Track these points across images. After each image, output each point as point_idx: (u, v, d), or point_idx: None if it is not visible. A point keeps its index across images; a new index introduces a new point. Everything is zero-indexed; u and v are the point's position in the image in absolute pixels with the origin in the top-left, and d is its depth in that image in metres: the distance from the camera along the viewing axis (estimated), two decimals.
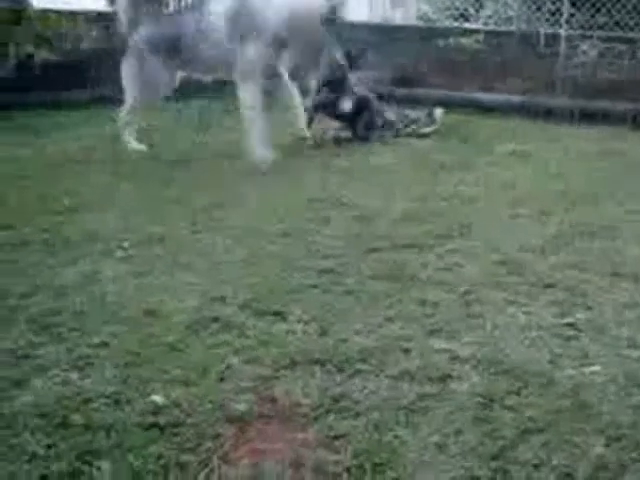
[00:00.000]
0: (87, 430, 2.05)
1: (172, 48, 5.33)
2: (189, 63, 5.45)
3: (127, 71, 5.50)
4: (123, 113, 5.54)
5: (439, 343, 2.58)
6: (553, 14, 8.97)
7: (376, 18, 12.35)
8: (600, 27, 8.74)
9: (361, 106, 5.87)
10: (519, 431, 2.09)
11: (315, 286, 3.04)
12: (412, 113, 6.41)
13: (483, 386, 2.31)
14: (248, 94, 5.15)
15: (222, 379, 2.34)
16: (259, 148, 5.04)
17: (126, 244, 3.48)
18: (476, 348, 2.55)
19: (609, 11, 8.97)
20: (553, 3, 9.07)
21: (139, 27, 5.50)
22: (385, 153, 5.29)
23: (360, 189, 4.44)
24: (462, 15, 10.13)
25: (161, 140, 5.74)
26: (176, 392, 2.25)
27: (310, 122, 5.86)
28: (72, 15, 7.82)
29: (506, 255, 3.40)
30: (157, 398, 2.22)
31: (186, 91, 5.95)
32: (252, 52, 5.10)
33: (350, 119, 5.92)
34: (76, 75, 7.22)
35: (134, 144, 5.46)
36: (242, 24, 5.12)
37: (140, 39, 5.45)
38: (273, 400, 2.24)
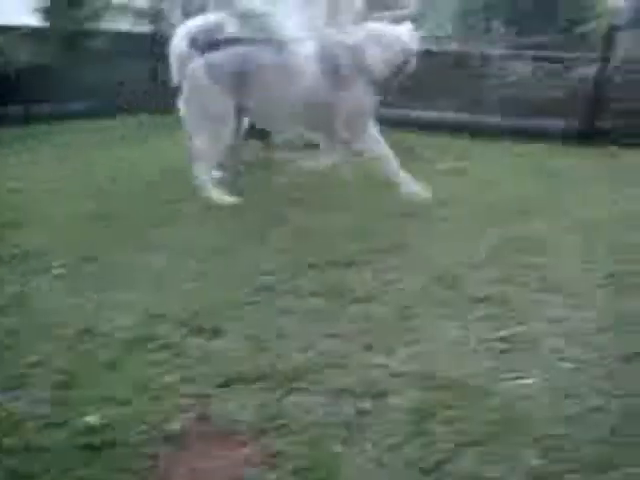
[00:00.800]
0: (21, 453, 2.01)
1: (241, 84, 4.64)
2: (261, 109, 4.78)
3: (192, 111, 4.67)
4: (199, 167, 4.70)
5: (377, 359, 2.60)
6: (487, 34, 9.18)
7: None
8: (531, 47, 8.97)
9: None
10: (455, 444, 2.12)
11: (253, 303, 3.04)
12: None
13: (420, 400, 2.34)
14: (369, 144, 4.76)
15: (158, 398, 2.32)
16: (410, 186, 4.69)
17: (61, 262, 3.43)
18: (413, 363, 2.58)
19: (540, 31, 9.22)
20: (486, 24, 9.28)
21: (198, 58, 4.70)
22: (325, 170, 5.30)
23: (299, 205, 4.45)
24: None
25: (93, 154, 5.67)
26: (111, 412, 2.22)
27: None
28: (3, 30, 7.70)
29: (442, 270, 3.45)
30: (92, 418, 2.19)
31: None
32: (362, 98, 4.67)
33: None
34: (8, 91, 7.10)
35: (225, 197, 4.62)
36: (347, 66, 4.61)
37: (201, 68, 4.67)
38: (210, 419, 2.23)
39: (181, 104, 4.69)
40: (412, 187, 4.65)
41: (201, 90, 4.63)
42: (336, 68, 4.60)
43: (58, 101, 7.28)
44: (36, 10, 8.29)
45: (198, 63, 4.67)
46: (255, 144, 5.80)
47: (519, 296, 3.20)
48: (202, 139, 4.63)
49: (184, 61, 4.66)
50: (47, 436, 2.10)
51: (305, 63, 4.63)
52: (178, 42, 4.70)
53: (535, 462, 2.05)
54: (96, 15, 8.59)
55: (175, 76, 4.68)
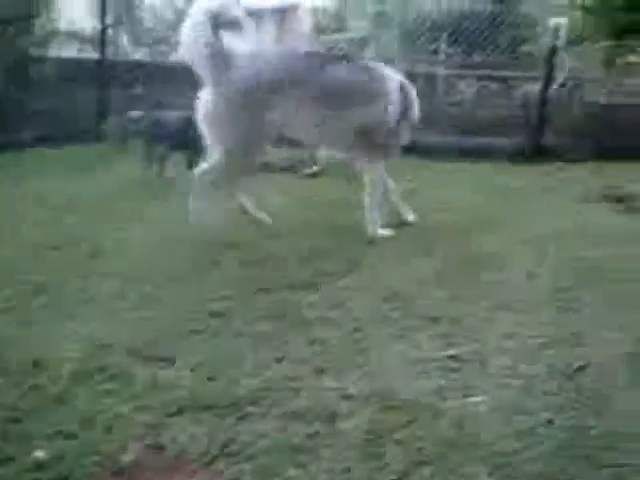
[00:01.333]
0: None
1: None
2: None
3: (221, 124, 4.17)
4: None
5: (328, 381, 2.61)
6: (433, 54, 9.30)
7: None
8: (476, 66, 9.12)
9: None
10: (408, 464, 2.13)
11: (204, 330, 3.02)
12: (297, 154, 6.49)
13: (372, 422, 2.34)
14: (377, 174, 4.64)
15: (109, 429, 2.29)
16: (373, 225, 4.51)
17: (9, 294, 3.37)
18: (364, 384, 2.58)
19: (484, 50, 9.38)
20: (431, 44, 9.41)
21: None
22: (270, 193, 5.31)
23: (247, 230, 4.45)
24: (343, 57, 10.34)
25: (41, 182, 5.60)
26: (61, 445, 2.19)
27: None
28: None
29: (392, 291, 3.47)
30: (41, 453, 2.15)
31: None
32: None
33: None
34: None
35: (262, 215, 4.60)
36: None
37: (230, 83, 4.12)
38: (161, 448, 2.21)
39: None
40: (376, 229, 4.50)
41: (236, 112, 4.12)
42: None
43: (3, 130, 7.18)
44: None
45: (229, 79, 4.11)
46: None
47: (469, 314, 3.23)
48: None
49: (214, 55, 4.06)
50: None
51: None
52: (201, 26, 4.00)
53: (485, 479, 2.07)
54: (43, 42, 8.53)
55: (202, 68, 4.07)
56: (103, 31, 8.49)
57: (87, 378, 2.59)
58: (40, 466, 2.09)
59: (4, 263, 3.83)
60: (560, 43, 7.49)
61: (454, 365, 2.75)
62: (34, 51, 8.27)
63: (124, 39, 10.14)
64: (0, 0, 8.19)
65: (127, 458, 2.14)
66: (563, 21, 7.44)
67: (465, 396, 2.53)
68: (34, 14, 8.38)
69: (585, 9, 8.98)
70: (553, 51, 7.53)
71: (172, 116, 5.90)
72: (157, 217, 4.77)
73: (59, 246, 4.10)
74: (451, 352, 2.85)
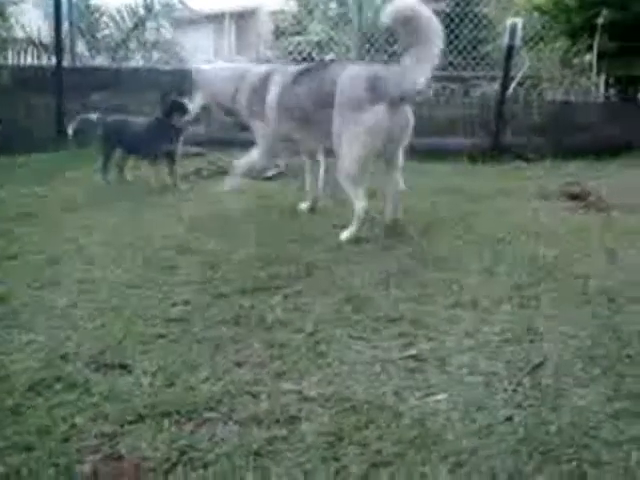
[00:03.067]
0: None
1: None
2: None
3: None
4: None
5: (287, 385, 2.60)
6: (390, 56, 9.33)
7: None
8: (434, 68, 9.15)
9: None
10: (368, 466, 2.13)
11: (162, 336, 2.99)
12: None
13: (331, 424, 2.34)
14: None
15: (66, 440, 2.26)
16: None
17: None
18: (324, 387, 2.58)
19: (442, 51, 9.42)
20: (390, 45, 9.44)
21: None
22: (229, 198, 5.30)
23: (205, 235, 4.43)
24: (304, 59, 10.38)
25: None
26: (17, 459, 2.15)
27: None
28: None
29: (351, 292, 3.47)
30: None
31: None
32: None
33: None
34: None
35: None
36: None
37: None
38: (120, 457, 2.19)
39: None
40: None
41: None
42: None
43: None
44: None
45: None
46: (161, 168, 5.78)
47: (428, 313, 3.24)
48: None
49: None
50: None
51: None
52: None
53: (445, 478, 2.07)
54: None
55: None
56: (58, 38, 8.38)
57: (43, 389, 2.56)
58: None
59: None
60: (517, 43, 7.55)
61: (414, 365, 2.76)
62: None
63: (81, 45, 10.03)
64: None
65: (86, 468, 2.12)
66: (519, 21, 7.49)
67: (425, 395, 2.54)
68: None
69: (540, 9, 9.06)
70: (510, 51, 7.59)
71: (132, 121, 5.88)
72: (113, 223, 4.73)
73: (14, 256, 4.04)
74: (411, 352, 2.86)
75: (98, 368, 2.71)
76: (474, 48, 9.70)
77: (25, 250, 4.13)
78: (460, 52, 9.46)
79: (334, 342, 2.95)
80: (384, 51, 9.44)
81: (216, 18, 15.71)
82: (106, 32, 10.25)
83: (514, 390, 2.58)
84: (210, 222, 4.72)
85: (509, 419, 2.39)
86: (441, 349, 2.90)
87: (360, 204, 4.36)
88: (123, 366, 2.73)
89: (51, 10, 8.54)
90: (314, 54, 10.78)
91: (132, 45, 10.40)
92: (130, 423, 2.35)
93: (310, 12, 12.06)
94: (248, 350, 2.87)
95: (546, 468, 2.13)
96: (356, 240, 4.32)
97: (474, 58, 9.50)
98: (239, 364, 2.75)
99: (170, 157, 5.75)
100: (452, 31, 9.41)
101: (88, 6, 10.25)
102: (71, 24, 9.27)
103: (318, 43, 10.98)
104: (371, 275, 3.72)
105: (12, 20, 8.93)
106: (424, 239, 4.38)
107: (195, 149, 6.67)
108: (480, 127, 7.65)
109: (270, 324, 3.11)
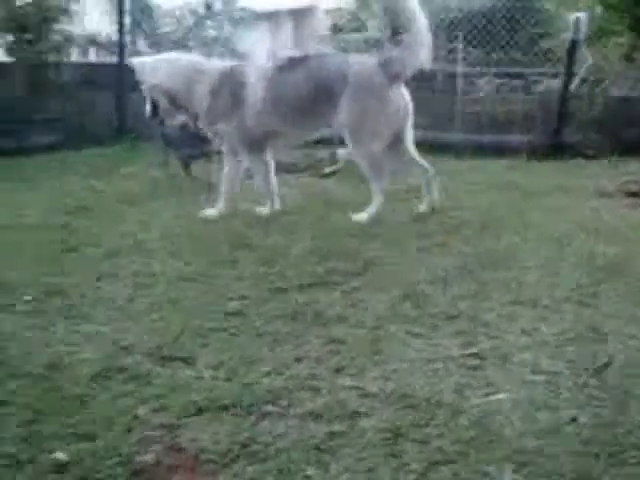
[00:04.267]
0: None
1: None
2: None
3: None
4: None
5: (347, 380, 2.59)
6: (450, 52, 9.26)
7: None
8: (495, 63, 9.06)
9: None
10: (429, 463, 2.10)
11: (222, 329, 3.02)
12: (317, 154, 6.50)
13: (391, 421, 2.32)
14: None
15: (129, 430, 2.28)
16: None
17: (27, 297, 3.38)
18: (383, 383, 2.56)
19: (503, 48, 9.32)
20: (450, 42, 9.36)
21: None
22: (287, 194, 5.31)
23: (263, 230, 4.44)
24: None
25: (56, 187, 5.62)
26: (81, 447, 2.18)
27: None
28: None
29: (410, 288, 3.45)
30: (61, 455, 2.15)
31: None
32: None
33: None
34: None
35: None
36: None
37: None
38: (181, 449, 2.20)
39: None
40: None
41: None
42: None
43: (24, 135, 7.23)
44: None
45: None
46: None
47: (488, 311, 3.20)
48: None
49: None
50: (14, 475, 2.06)
51: None
52: None
53: (509, 477, 2.04)
54: (60, 47, 8.57)
55: None
56: (121, 35, 8.51)
57: (106, 379, 2.60)
58: (60, 467, 2.08)
59: (37, 265, 3.85)
60: (581, 37, 7.40)
61: (474, 362, 2.73)
62: (52, 57, 8.31)
63: (142, 43, 10.16)
64: (17, 6, 8.21)
65: (147, 458, 2.14)
66: (583, 16, 7.35)
67: (486, 394, 2.50)
68: (51, 19, 8.41)
69: (604, 3, 8.88)
70: (573, 46, 7.46)
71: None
72: (170, 217, 4.77)
73: (73, 248, 4.11)
74: (471, 349, 2.83)
75: (158, 360, 2.74)
76: (535, 44, 9.55)
77: (84, 243, 4.20)
78: (521, 48, 9.32)
79: (393, 338, 2.93)
80: (444, 48, 9.35)
81: (273, 15, 15.77)
82: (167, 29, 10.35)
83: (578, 390, 2.53)
84: (267, 217, 4.73)
85: (574, 420, 2.33)
86: (501, 347, 2.86)
87: (380, 185, 4.57)
88: (183, 359, 2.75)
89: (112, 8, 8.69)
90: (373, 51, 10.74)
91: (192, 43, 10.49)
92: (191, 415, 2.36)
93: (368, 8, 12.01)
94: (307, 345, 2.87)
95: (613, 470, 2.08)
96: (412, 237, 4.28)
97: (535, 54, 9.35)
98: (298, 359, 2.75)
99: (206, 157, 5.76)
100: (512, 27, 9.30)
101: (148, 4, 10.36)
102: (132, 22, 9.39)
103: (377, 40, 10.92)
104: (428, 272, 3.69)
105: (75, 18, 9.05)
106: (481, 236, 4.33)
107: None
108: (541, 123, 7.53)
109: (328, 319, 3.11)
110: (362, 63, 4.64)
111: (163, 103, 4.98)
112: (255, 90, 4.73)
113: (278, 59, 5.11)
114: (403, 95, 4.64)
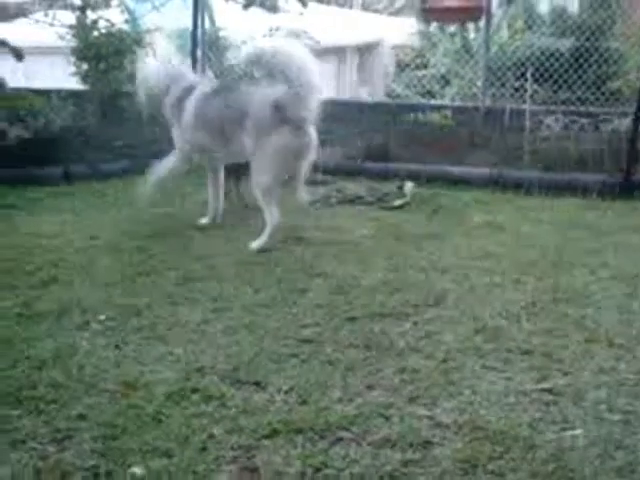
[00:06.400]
0: None
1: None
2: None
3: None
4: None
5: (419, 410, 2.59)
6: (517, 90, 9.23)
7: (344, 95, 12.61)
8: (562, 102, 9.01)
9: None
10: None
11: (294, 355, 3.04)
12: (383, 187, 6.53)
13: (465, 452, 2.32)
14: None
15: (204, 449, 2.32)
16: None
17: (102, 317, 3.46)
18: (456, 414, 2.56)
19: (570, 87, 9.27)
20: (517, 80, 9.34)
21: None
22: (357, 225, 5.34)
23: (334, 260, 4.47)
24: (428, 92, 10.41)
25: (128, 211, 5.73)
26: (157, 463, 2.23)
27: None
28: (45, 93, 7.92)
29: (482, 322, 3.43)
30: (137, 470, 2.20)
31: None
32: None
33: None
34: (48, 152, 7.24)
35: None
36: None
37: None
38: (255, 470, 2.22)
39: None
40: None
41: None
42: None
43: (97, 161, 7.40)
44: (75, 74, 8.52)
45: None
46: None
47: (562, 347, 3.17)
48: None
49: None
50: None
51: None
52: None
53: None
54: (134, 77, 8.78)
55: None
56: (193, 67, 8.71)
57: (181, 399, 2.65)
58: None
59: (111, 287, 3.94)
60: None
61: (549, 398, 2.70)
62: (126, 87, 8.52)
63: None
64: (93, 36, 8.46)
65: (222, 478, 2.16)
66: None
67: (561, 429, 2.48)
68: (125, 50, 8.65)
69: None
70: None
71: None
72: (242, 244, 4.82)
73: (149, 272, 4.18)
74: (545, 385, 2.80)
75: (233, 383, 2.78)
76: (603, 83, 9.47)
77: (160, 267, 4.27)
78: (589, 87, 9.26)
79: (466, 371, 2.92)
80: (510, 86, 9.34)
81: (339, 50, 15.95)
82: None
83: None
84: (337, 248, 4.75)
85: None
86: (576, 384, 2.82)
87: (273, 216, 4.73)
88: (257, 383, 2.79)
89: (181, 41, 8.92)
90: (437, 87, 10.79)
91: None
92: (265, 437, 2.39)
93: (434, 45, 12.06)
94: (379, 374, 2.88)
95: None
96: (485, 272, 4.26)
97: (603, 93, 9.27)
98: (370, 387, 2.76)
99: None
100: (580, 66, 9.24)
101: (218, 38, 10.57)
102: (203, 54, 9.59)
103: (443, 77, 10.96)
104: (501, 306, 3.66)
105: (149, 49, 9.27)
106: (555, 273, 4.28)
107: (322, 177, 6.75)
108: (610, 163, 7.43)
109: (400, 350, 3.11)
110: (263, 99, 4.83)
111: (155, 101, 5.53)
112: (192, 104, 5.14)
113: (214, 83, 5.53)
114: (300, 135, 4.73)
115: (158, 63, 5.78)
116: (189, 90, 5.21)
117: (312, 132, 4.78)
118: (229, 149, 5.09)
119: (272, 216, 4.74)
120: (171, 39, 10.19)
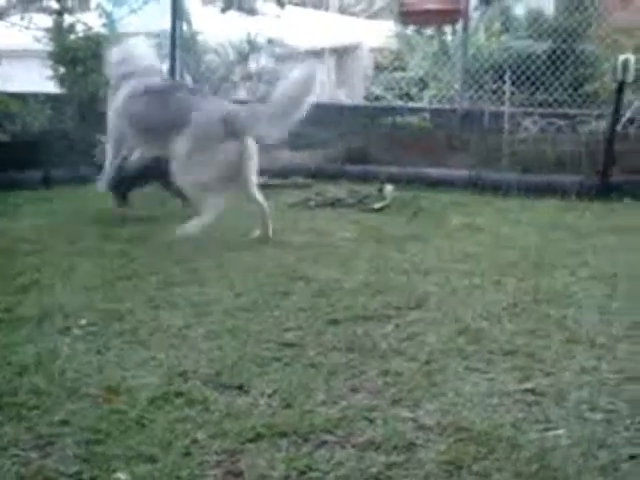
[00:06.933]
0: None
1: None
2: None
3: None
4: None
5: (403, 412, 2.59)
6: (495, 92, 9.28)
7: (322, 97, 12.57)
8: (540, 104, 9.07)
9: None
10: None
11: (277, 359, 3.04)
12: (363, 190, 6.55)
13: (449, 453, 2.32)
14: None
15: (187, 454, 2.30)
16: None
17: (84, 321, 3.44)
18: (440, 416, 2.56)
19: (547, 89, 9.34)
20: (494, 82, 9.39)
21: None
22: (338, 228, 5.35)
23: (316, 263, 4.47)
24: (406, 94, 10.43)
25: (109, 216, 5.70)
26: (141, 468, 2.21)
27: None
28: (21, 96, 7.86)
29: (464, 324, 3.45)
30: (122, 475, 2.18)
31: None
32: None
33: None
34: (28, 156, 7.19)
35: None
36: None
37: None
38: (239, 474, 2.21)
39: None
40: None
41: None
42: None
43: (77, 165, 7.35)
44: (52, 77, 8.45)
45: None
46: None
47: (543, 348, 3.19)
48: None
49: None
50: None
51: None
52: None
53: None
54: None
55: None
56: (172, 71, 8.69)
57: (164, 404, 2.63)
58: None
59: (92, 292, 3.91)
60: (629, 79, 7.36)
61: (532, 398, 2.71)
62: (105, 90, 8.48)
63: (188, 78, 10.33)
64: (70, 40, 8.40)
65: None
66: (632, 57, 7.32)
67: (545, 429, 2.49)
68: (102, 54, 8.61)
69: None
70: (621, 87, 7.43)
71: None
72: (225, 247, 4.82)
73: (129, 276, 4.16)
74: (527, 385, 2.81)
75: (216, 387, 2.77)
76: (580, 85, 9.54)
77: (141, 271, 4.25)
78: (566, 89, 9.32)
79: (449, 372, 2.93)
80: (488, 88, 9.38)
81: (316, 53, 15.96)
82: (210, 66, 10.51)
83: (637, 429, 2.50)
84: (319, 251, 4.75)
85: (633, 457, 2.31)
86: (559, 384, 2.84)
87: (206, 215, 4.92)
88: (240, 387, 2.78)
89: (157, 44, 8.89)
90: (415, 90, 10.81)
91: (235, 78, 10.65)
92: (249, 441, 2.38)
93: (412, 48, 12.09)
94: (362, 376, 2.88)
95: None
96: (466, 274, 4.27)
97: (580, 95, 9.34)
98: (354, 390, 2.76)
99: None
100: (557, 68, 9.32)
101: (196, 42, 10.54)
102: (180, 58, 9.57)
103: (421, 79, 10.99)
104: (483, 308, 3.68)
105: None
106: (535, 274, 4.31)
107: (303, 180, 6.77)
108: (588, 164, 7.49)
109: (383, 352, 3.12)
110: (208, 112, 5.05)
111: None
112: (121, 98, 5.39)
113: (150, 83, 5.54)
114: (241, 148, 4.96)
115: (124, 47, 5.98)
116: (132, 75, 5.41)
117: (251, 143, 5.03)
118: (152, 145, 5.33)
119: (205, 215, 4.90)
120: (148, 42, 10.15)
